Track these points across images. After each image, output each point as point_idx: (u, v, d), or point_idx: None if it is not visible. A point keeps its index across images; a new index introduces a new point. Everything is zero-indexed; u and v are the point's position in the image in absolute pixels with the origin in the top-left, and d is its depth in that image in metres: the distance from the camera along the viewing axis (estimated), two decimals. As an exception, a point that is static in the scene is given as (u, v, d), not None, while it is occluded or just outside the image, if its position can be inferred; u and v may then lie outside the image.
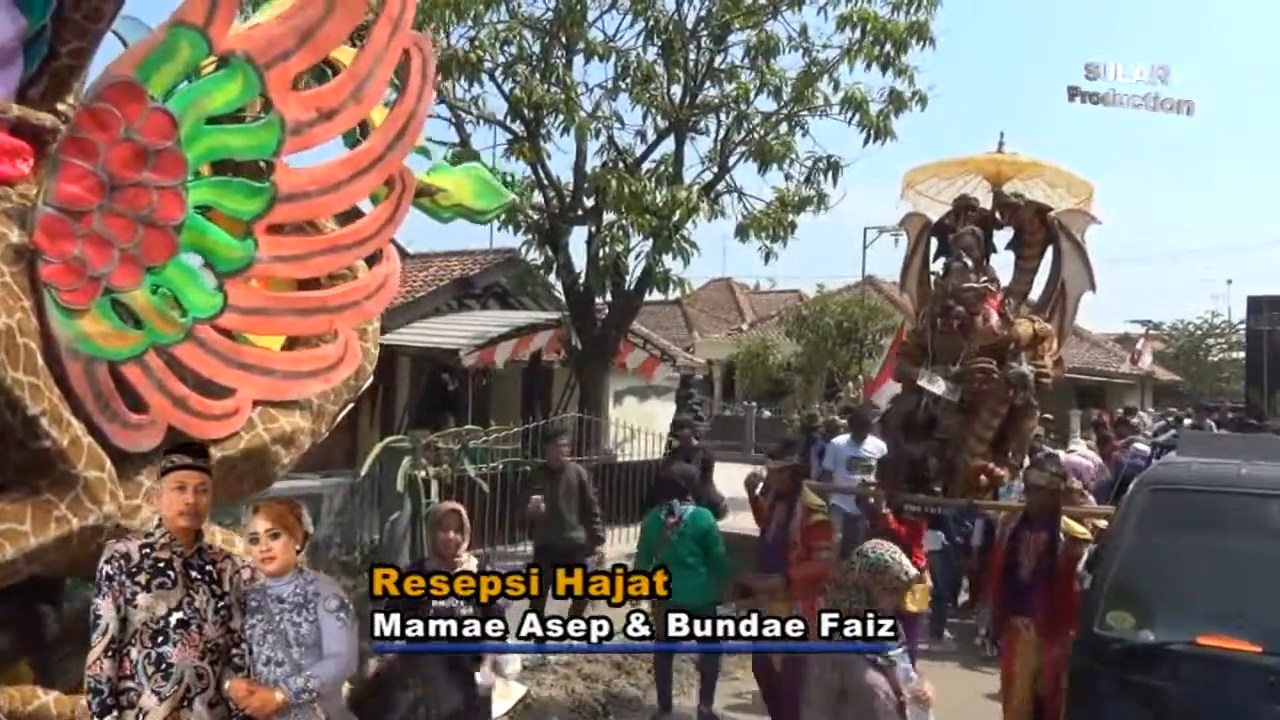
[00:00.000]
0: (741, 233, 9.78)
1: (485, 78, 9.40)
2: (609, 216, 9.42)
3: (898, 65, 9.50)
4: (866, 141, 9.59)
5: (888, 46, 9.36)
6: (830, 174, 9.91)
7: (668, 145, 10.17)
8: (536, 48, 9.66)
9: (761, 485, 5.95)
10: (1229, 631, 3.90)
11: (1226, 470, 4.47)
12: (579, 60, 9.89)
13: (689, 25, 9.76)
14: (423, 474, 7.23)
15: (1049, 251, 7.04)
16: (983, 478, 6.33)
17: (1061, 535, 5.21)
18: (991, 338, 6.27)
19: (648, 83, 9.75)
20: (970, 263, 6.43)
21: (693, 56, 9.92)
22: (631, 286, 10.07)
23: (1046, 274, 7.35)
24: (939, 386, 6.20)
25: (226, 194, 3.33)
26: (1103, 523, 5.54)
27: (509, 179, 9.33)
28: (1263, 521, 4.23)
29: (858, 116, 9.62)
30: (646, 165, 10.14)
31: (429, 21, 8.31)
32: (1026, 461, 7.94)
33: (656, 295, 10.61)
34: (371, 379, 4.25)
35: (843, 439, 8.99)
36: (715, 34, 9.83)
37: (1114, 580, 4.30)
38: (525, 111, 9.37)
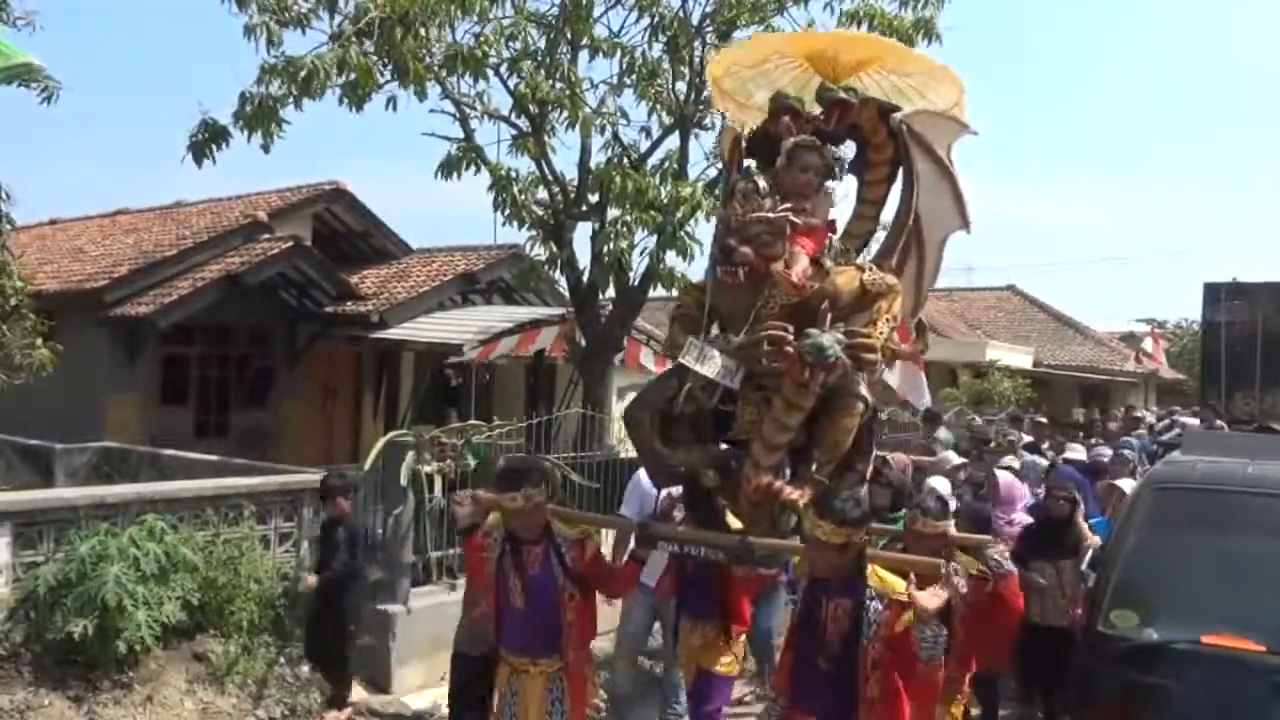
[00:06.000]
0: (746, 229, 9.75)
1: (490, 73, 9.38)
2: (613, 212, 9.40)
3: (903, 62, 9.48)
4: (870, 138, 9.55)
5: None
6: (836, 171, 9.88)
7: (672, 141, 10.14)
8: (542, 43, 9.63)
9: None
10: (1234, 630, 3.89)
11: (1233, 469, 4.47)
12: (584, 56, 9.86)
13: (694, 21, 9.73)
14: (426, 469, 7.23)
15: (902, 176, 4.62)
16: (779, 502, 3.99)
17: (873, 600, 3.56)
18: (794, 293, 3.97)
19: (653, 79, 9.72)
20: (765, 184, 4.10)
21: (698, 52, 9.89)
22: (635, 283, 10.06)
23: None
24: (711, 365, 3.99)
25: None
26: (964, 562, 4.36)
27: (513, 174, 9.33)
28: (1269, 520, 4.22)
29: (862, 113, 9.60)
30: (651, 161, 10.12)
31: (434, 16, 8.29)
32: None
33: (660, 291, 10.59)
34: None
35: None
36: (720, 30, 9.80)
37: (1118, 579, 4.29)
38: (530, 107, 9.35)
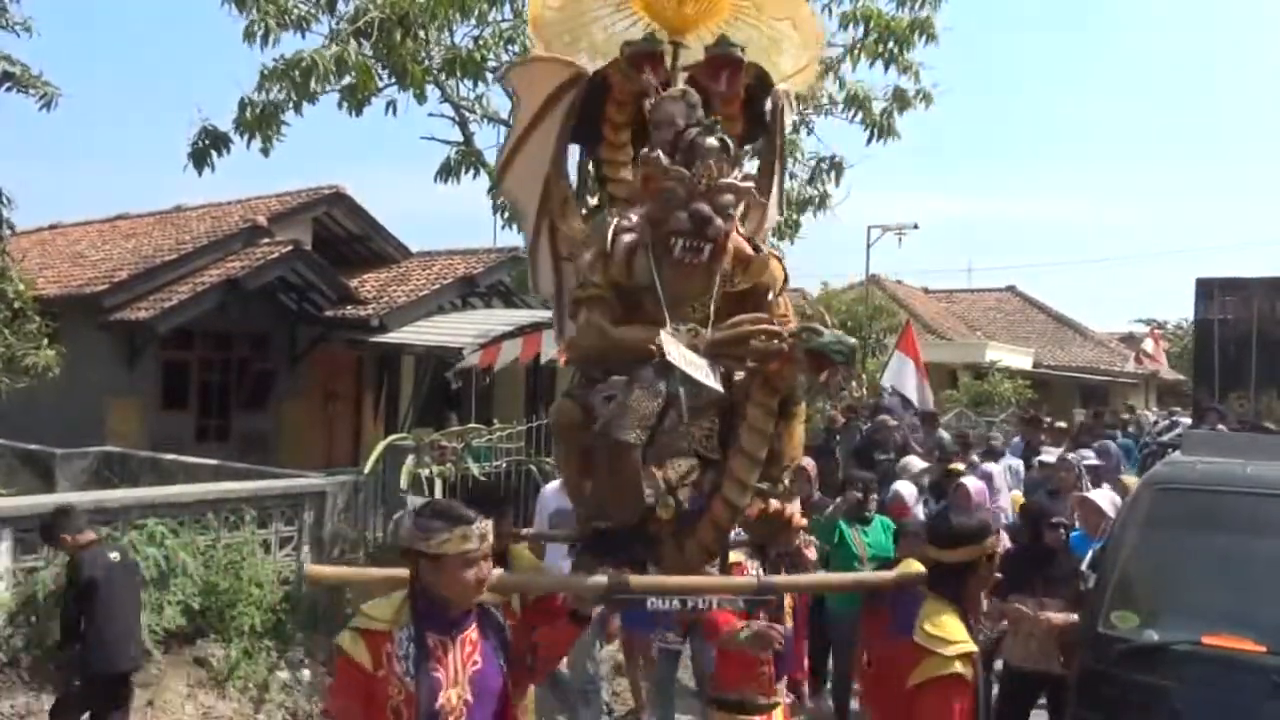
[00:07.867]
0: (747, 231, 9.73)
1: (489, 76, 9.38)
2: (613, 214, 9.41)
3: (902, 62, 9.47)
4: (870, 140, 9.56)
5: (891, 44, 9.32)
6: (834, 174, 9.88)
7: (671, 143, 10.15)
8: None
9: None
10: (1234, 631, 3.89)
11: (1231, 469, 4.46)
12: (582, 59, 9.90)
13: (692, 24, 9.75)
14: (426, 472, 7.24)
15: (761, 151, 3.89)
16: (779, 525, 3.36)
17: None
18: (753, 277, 3.32)
19: (650, 81, 9.73)
20: (731, 143, 3.23)
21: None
22: (635, 285, 10.06)
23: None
24: (698, 365, 3.07)
25: None
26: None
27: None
28: (1268, 521, 4.21)
29: (860, 115, 9.59)
30: (650, 163, 10.13)
31: (433, 19, 8.30)
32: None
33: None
34: None
35: (556, 483, 5.09)
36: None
37: (1118, 579, 4.28)
38: (529, 110, 9.37)
